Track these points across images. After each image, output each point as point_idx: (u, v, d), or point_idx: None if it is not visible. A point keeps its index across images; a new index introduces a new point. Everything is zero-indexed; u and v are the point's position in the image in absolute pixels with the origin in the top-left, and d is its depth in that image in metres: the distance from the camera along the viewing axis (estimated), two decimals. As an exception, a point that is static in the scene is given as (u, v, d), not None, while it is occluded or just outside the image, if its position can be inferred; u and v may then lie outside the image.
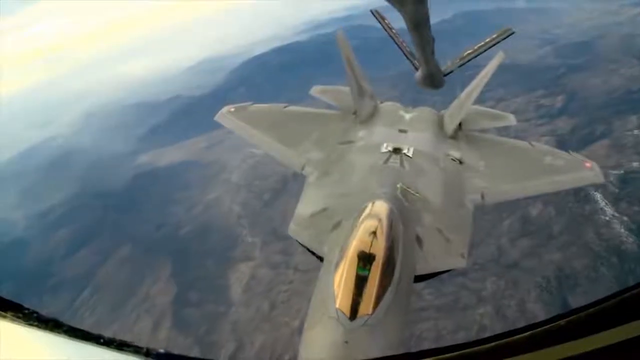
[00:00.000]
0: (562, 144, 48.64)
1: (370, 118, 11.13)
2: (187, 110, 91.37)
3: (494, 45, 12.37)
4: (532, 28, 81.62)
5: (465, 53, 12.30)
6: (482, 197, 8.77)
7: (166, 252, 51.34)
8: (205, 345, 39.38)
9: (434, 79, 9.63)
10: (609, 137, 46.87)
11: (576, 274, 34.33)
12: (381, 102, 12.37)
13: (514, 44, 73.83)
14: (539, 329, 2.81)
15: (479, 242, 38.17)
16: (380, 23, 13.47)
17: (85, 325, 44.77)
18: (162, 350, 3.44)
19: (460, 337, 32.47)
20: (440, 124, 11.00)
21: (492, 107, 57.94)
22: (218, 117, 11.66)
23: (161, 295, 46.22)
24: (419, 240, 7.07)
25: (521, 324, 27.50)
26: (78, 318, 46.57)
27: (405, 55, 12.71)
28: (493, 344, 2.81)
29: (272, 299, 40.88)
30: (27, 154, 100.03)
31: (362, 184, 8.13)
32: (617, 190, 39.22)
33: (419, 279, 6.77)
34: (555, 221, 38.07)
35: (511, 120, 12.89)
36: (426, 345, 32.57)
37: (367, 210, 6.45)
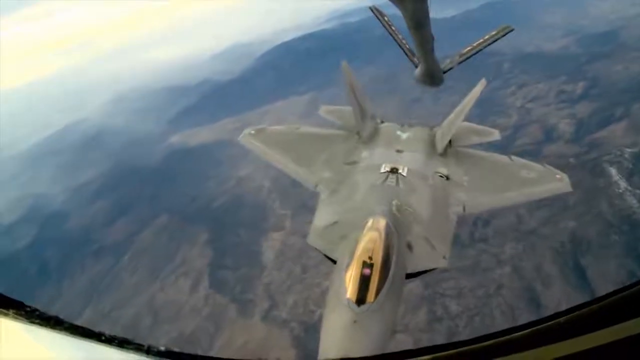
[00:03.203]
0: (581, 126, 50.70)
1: (371, 139, 12.32)
2: (217, 94, 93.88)
3: (494, 42, 12.71)
4: (558, 19, 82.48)
5: (465, 50, 12.67)
6: (464, 208, 10.31)
7: (201, 221, 54.22)
8: (241, 303, 42.23)
9: (434, 77, 10.52)
10: (627, 119, 48.41)
11: (589, 240, 36.45)
12: (381, 122, 13.36)
13: (539, 34, 75.02)
14: (538, 327, 2.90)
15: (498, 212, 40.11)
16: (379, 20, 13.79)
17: (127, 286, 48.06)
18: (162, 348, 3.43)
19: (480, 294, 34.94)
20: (432, 143, 12.11)
21: (513, 92, 60.17)
22: (240, 139, 12.85)
23: (198, 259, 49.12)
24: (409, 246, 8.54)
25: (537, 284, 30.00)
26: (119, 280, 49.88)
27: (405, 53, 12.97)
28: (492, 341, 2.91)
29: (304, 263, 43.17)
30: (62, 134, 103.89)
31: (365, 201, 9.46)
32: (631, 166, 41.22)
33: (409, 276, 8.36)
34: (571, 193, 39.48)
35: (495, 135, 13.84)
36: (448, 301, 35.08)
37: (368, 225, 7.97)
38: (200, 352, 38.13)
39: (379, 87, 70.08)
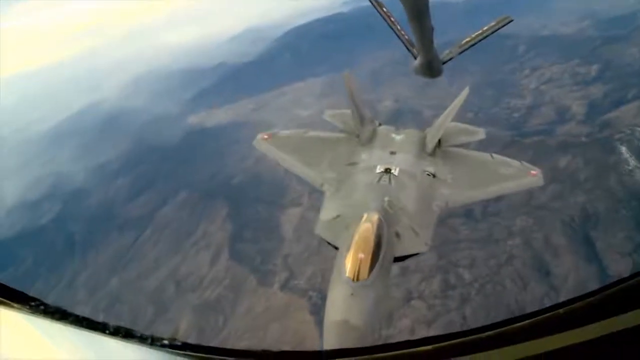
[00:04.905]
0: (594, 107, 51.73)
1: (369, 141, 13.76)
2: (234, 76, 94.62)
3: (493, 32, 13.09)
4: (573, 2, 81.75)
5: (464, 41, 13.06)
6: (447, 203, 11.79)
7: (221, 197, 55.90)
8: (260, 274, 44.04)
9: (433, 68, 10.93)
10: (639, 100, 49.35)
11: (598, 214, 37.85)
12: (379, 124, 14.69)
13: (554, 18, 75.14)
14: (538, 318, 2.93)
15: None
16: (377, 11, 14.10)
17: (150, 258, 49.91)
18: (166, 341, 3.51)
19: (492, 264, 36.44)
20: (422, 144, 13.46)
21: (528, 75, 60.75)
22: (254, 143, 14.27)
23: (218, 233, 50.87)
24: (397, 235, 9.90)
25: (547, 254, 31.42)
26: (142, 253, 51.74)
27: (404, 44, 13.26)
28: (493, 332, 2.95)
29: (320, 237, 44.20)
30: (81, 114, 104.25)
31: (362, 198, 10.82)
32: (641, 145, 42.51)
33: (398, 259, 9.92)
34: (582, 170, 41.45)
35: (481, 134, 15.01)
36: (461, 270, 36.63)
37: (364, 218, 9.41)
38: (222, 319, 40.26)
39: (394, 69, 70.70)
